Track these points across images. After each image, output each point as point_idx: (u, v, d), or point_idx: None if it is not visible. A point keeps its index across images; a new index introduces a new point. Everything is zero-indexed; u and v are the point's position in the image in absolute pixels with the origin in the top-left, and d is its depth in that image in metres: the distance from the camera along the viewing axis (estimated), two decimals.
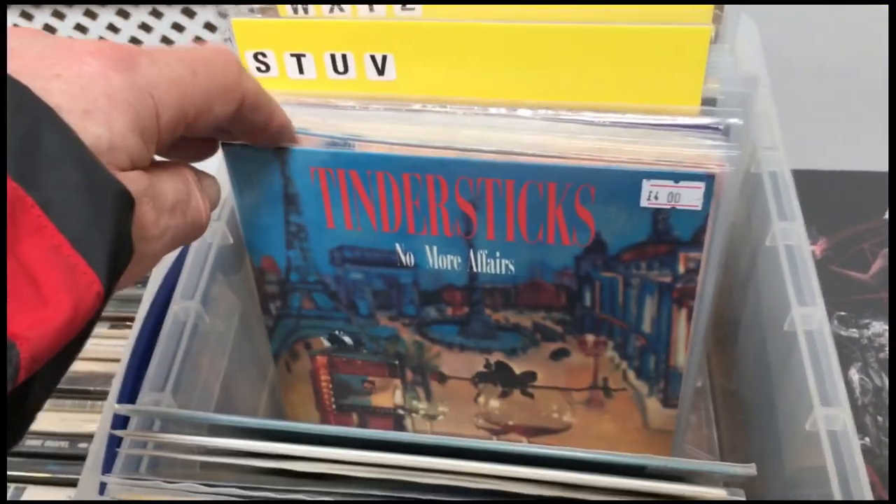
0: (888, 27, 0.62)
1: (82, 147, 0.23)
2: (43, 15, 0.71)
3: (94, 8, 0.71)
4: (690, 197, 0.34)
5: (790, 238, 0.40)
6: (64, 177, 0.22)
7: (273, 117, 0.32)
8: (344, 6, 0.38)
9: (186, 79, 0.26)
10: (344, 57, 0.37)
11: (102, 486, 0.32)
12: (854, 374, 0.48)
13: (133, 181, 0.24)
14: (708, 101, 0.36)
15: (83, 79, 0.23)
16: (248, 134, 0.32)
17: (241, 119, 0.30)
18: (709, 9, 0.36)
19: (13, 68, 0.23)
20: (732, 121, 0.34)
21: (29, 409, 0.23)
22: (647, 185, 0.34)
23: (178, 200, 0.27)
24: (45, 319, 0.21)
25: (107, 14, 0.71)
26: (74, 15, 0.71)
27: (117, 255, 0.23)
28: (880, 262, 0.54)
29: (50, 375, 0.23)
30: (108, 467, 0.34)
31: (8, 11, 0.71)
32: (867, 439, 0.45)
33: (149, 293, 0.49)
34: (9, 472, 0.48)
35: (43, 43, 0.24)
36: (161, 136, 0.26)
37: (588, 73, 0.36)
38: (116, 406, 0.32)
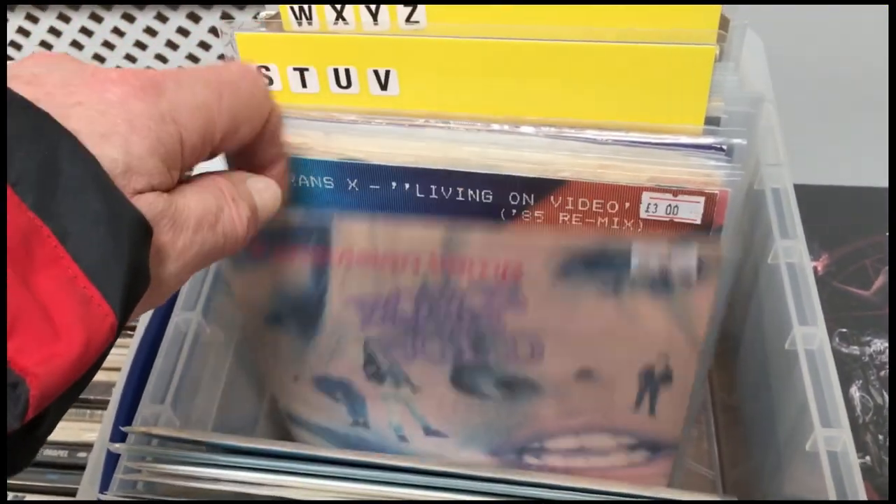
0: (888, 37, 0.62)
1: (102, 175, 0.22)
2: (48, 18, 0.72)
3: (100, 11, 0.71)
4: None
5: (792, 256, 0.40)
6: (82, 206, 0.22)
7: (279, 157, 0.32)
8: (347, 16, 0.38)
9: (212, 103, 0.26)
10: (347, 71, 0.37)
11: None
12: (855, 392, 0.48)
13: (150, 203, 0.24)
14: (712, 121, 0.36)
15: (103, 105, 0.23)
16: (252, 167, 0.32)
17: (257, 145, 0.30)
18: (715, 16, 0.36)
19: (34, 96, 0.22)
20: (736, 141, 0.34)
21: (38, 439, 0.23)
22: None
23: (205, 215, 0.26)
24: (57, 354, 0.21)
25: (112, 18, 0.71)
26: (80, 18, 0.71)
27: (133, 286, 0.23)
28: (882, 279, 0.54)
29: (60, 405, 0.23)
30: (105, 483, 0.34)
31: (13, 14, 0.71)
32: (868, 458, 0.45)
33: None
34: (7, 481, 0.48)
35: (67, 69, 0.24)
36: (185, 161, 0.26)
37: (591, 92, 0.36)
38: (110, 444, 0.32)
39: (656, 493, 0.30)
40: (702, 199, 0.34)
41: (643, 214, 0.34)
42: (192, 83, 0.26)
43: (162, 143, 0.24)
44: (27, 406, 0.20)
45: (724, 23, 0.37)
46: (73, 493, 0.47)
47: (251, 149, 0.30)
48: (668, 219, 0.34)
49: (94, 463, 0.38)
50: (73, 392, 0.23)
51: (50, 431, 0.23)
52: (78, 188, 0.22)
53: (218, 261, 0.29)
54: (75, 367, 0.21)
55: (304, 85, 0.38)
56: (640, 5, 0.36)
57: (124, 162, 0.23)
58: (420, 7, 0.37)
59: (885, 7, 0.60)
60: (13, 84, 0.23)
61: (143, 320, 0.43)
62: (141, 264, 0.23)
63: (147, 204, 0.24)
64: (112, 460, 0.38)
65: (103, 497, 0.31)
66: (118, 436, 0.40)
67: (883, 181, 0.59)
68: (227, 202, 0.27)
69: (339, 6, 0.38)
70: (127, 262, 0.22)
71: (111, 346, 0.23)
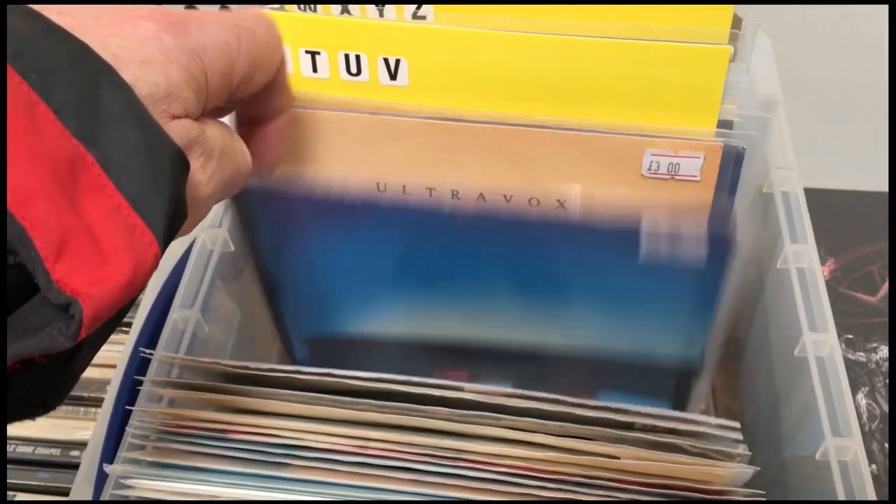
0: (888, 40, 0.61)
1: (142, 107, 0.23)
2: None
3: None
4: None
5: (802, 261, 0.39)
6: (124, 136, 0.22)
7: (285, 104, 0.33)
8: (352, 7, 0.37)
9: (233, 46, 0.27)
10: (358, 58, 0.37)
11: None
12: (861, 399, 0.48)
13: (187, 128, 0.25)
14: (724, 124, 0.35)
15: (138, 37, 0.24)
16: (256, 116, 0.32)
17: (266, 93, 0.30)
18: (728, 16, 0.35)
19: (68, 25, 0.22)
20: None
21: (74, 372, 0.23)
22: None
23: (224, 146, 0.27)
24: (106, 277, 0.21)
25: None
26: None
27: (174, 217, 0.23)
28: (888, 285, 0.53)
29: (95, 340, 0.23)
30: (99, 485, 0.33)
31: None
32: (874, 466, 0.44)
33: (146, 298, 0.48)
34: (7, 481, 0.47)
35: (95, 6, 0.24)
36: (208, 100, 0.26)
37: (602, 89, 0.35)
38: (106, 466, 0.32)
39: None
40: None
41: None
42: (215, 25, 0.26)
43: (193, 75, 0.25)
44: (80, 326, 0.20)
45: (736, 22, 0.36)
46: (65, 492, 0.46)
47: (259, 97, 0.30)
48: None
49: (88, 462, 0.37)
50: (109, 327, 0.23)
51: (84, 367, 0.23)
52: (119, 118, 0.22)
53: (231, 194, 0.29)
54: (124, 292, 0.22)
55: (314, 69, 0.37)
56: (653, 4, 0.35)
57: (165, 87, 0.24)
58: (427, 5, 0.37)
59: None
60: (44, 13, 0.23)
61: (139, 317, 0.43)
62: (180, 195, 0.24)
63: (184, 128, 0.24)
64: (108, 457, 0.37)
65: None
66: (114, 434, 0.39)
67: (888, 186, 0.58)
68: (235, 137, 0.29)
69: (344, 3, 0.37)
70: (167, 192, 0.23)
71: (150, 277, 0.23)
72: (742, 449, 0.31)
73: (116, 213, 0.22)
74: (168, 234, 0.23)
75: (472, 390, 0.31)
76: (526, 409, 0.31)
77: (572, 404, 0.31)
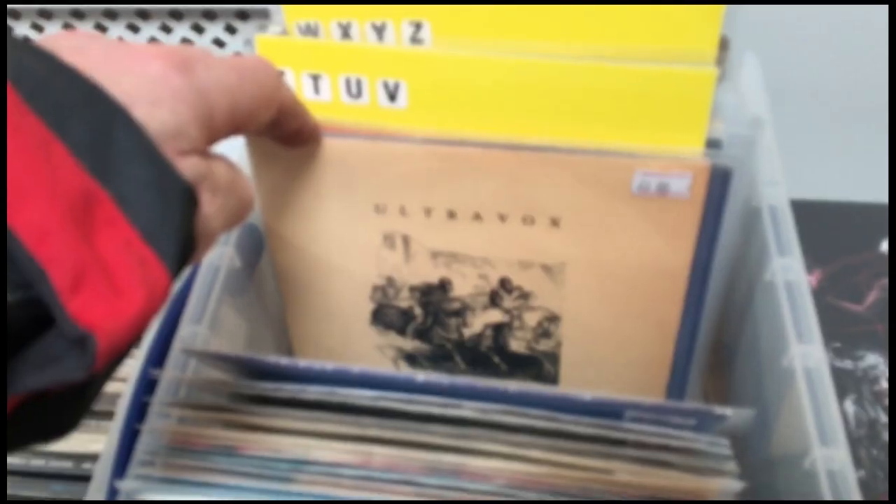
0: (888, 59, 0.62)
1: (153, 145, 0.24)
2: (53, 28, 0.72)
3: (105, 22, 0.71)
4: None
5: (790, 274, 0.40)
6: (136, 173, 0.23)
7: (305, 124, 0.35)
8: (353, 34, 0.38)
9: (236, 86, 0.28)
10: (358, 81, 0.38)
11: None
12: (849, 407, 0.49)
13: (195, 165, 0.26)
14: (713, 142, 0.37)
15: (148, 76, 0.25)
16: (281, 138, 0.35)
17: (277, 124, 0.32)
18: (714, 37, 0.36)
19: (81, 65, 0.23)
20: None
21: (87, 401, 0.24)
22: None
23: (229, 181, 0.28)
24: (120, 311, 0.22)
25: (117, 28, 0.71)
26: (85, 28, 0.71)
27: (184, 251, 0.24)
28: (875, 294, 0.54)
29: (109, 368, 0.24)
30: (111, 498, 0.34)
31: (18, 22, 0.71)
32: (862, 472, 0.45)
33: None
34: (11, 492, 0.48)
35: (105, 44, 0.25)
36: (214, 136, 0.27)
37: (594, 110, 0.36)
38: (115, 481, 0.33)
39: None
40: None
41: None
42: (220, 65, 0.28)
43: (199, 114, 0.26)
44: (94, 359, 0.21)
45: (724, 43, 0.38)
46: None
47: (275, 125, 0.32)
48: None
49: (100, 476, 0.38)
50: (120, 357, 0.24)
51: (97, 395, 0.24)
52: (131, 155, 0.23)
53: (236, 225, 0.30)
54: (137, 325, 0.22)
55: (316, 91, 0.39)
56: (641, 23, 0.36)
57: (174, 125, 0.25)
58: (425, 26, 0.38)
59: (875, 21, 0.61)
60: (58, 53, 0.23)
61: (149, 332, 0.44)
62: (189, 229, 0.25)
63: (193, 165, 0.25)
64: (120, 470, 0.38)
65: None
66: (126, 443, 0.40)
67: (877, 196, 0.59)
68: (238, 171, 0.30)
69: (345, 23, 0.39)
70: (177, 226, 0.24)
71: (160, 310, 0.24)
72: (732, 465, 0.32)
73: (129, 247, 0.22)
74: (178, 267, 0.24)
75: (470, 408, 0.32)
76: (521, 426, 0.32)
77: (566, 421, 0.32)
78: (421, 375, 0.32)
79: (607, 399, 0.32)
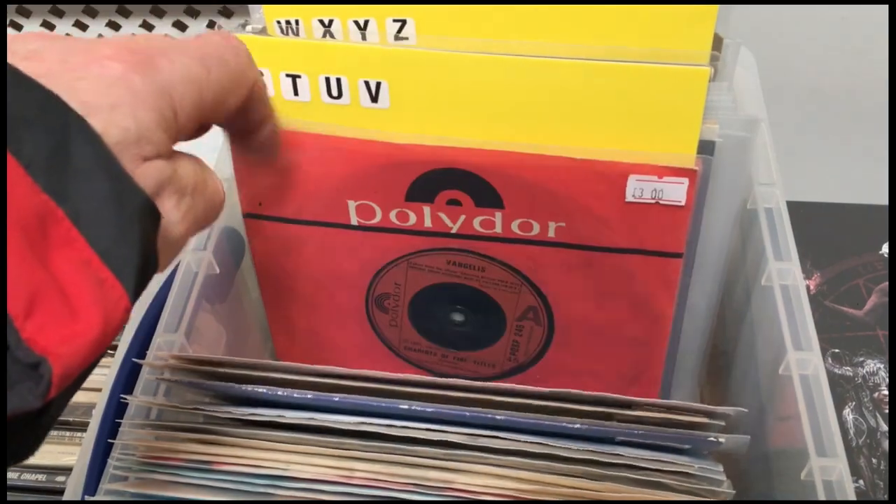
0: (888, 58, 0.62)
1: (112, 158, 0.23)
2: (32, 26, 0.70)
3: (85, 19, 0.70)
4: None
5: (786, 279, 0.39)
6: (93, 189, 0.22)
7: (268, 118, 0.33)
8: (335, 31, 0.37)
9: (202, 77, 0.27)
10: (338, 81, 0.37)
11: None
12: (848, 415, 0.48)
13: (159, 170, 0.25)
14: (706, 143, 0.35)
15: (106, 79, 0.24)
16: (248, 129, 0.33)
17: (245, 111, 0.31)
18: (708, 36, 0.35)
19: (36, 72, 0.22)
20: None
21: (45, 426, 0.23)
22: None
23: (196, 181, 0.27)
24: (77, 334, 0.21)
25: (97, 26, 0.70)
26: (64, 26, 0.70)
27: (144, 268, 0.23)
28: (875, 299, 0.53)
29: (67, 392, 0.22)
30: None
31: (7, 8, 0.70)
32: (861, 482, 0.44)
33: (131, 321, 0.48)
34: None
35: (62, 46, 0.24)
36: (179, 132, 0.26)
37: (583, 110, 0.35)
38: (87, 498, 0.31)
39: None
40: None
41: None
42: (183, 58, 0.26)
43: (163, 114, 0.25)
44: (49, 385, 0.20)
45: (717, 42, 0.36)
46: None
47: (241, 113, 0.31)
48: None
49: (73, 489, 0.37)
50: (80, 379, 0.23)
51: (55, 419, 0.23)
52: (88, 170, 0.22)
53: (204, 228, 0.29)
54: (94, 348, 0.21)
55: (295, 93, 0.37)
56: (633, 23, 0.35)
57: (136, 131, 0.23)
58: (409, 23, 0.37)
59: (873, 24, 0.60)
60: (12, 60, 0.22)
61: (124, 341, 0.42)
62: (150, 245, 0.24)
63: (157, 170, 0.24)
64: (92, 484, 0.37)
65: None
66: (99, 457, 0.39)
67: (876, 198, 0.58)
68: (208, 171, 0.28)
69: (326, 20, 0.37)
70: (138, 245, 0.23)
71: (121, 330, 0.23)
72: (726, 486, 0.31)
73: (86, 268, 0.21)
74: (138, 287, 0.23)
75: (456, 432, 0.31)
76: (511, 450, 0.31)
77: (557, 446, 0.31)
78: (404, 404, 0.31)
79: (599, 427, 0.31)
